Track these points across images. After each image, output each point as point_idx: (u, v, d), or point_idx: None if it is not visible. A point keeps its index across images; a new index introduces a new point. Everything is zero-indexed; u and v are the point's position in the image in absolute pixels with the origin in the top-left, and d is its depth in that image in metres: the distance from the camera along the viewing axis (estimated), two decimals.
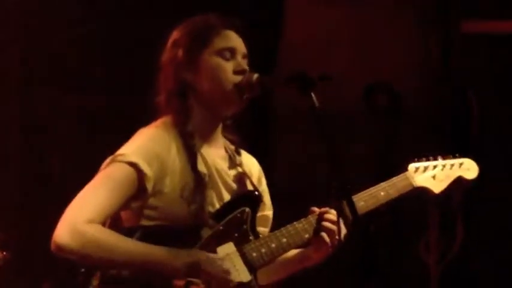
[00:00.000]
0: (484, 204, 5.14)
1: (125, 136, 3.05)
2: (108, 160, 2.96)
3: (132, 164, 2.92)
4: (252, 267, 2.99)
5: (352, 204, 2.67)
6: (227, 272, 2.90)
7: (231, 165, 3.15)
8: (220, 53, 3.06)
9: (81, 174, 2.98)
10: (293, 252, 3.17)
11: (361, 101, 5.27)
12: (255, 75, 3.03)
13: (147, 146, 2.97)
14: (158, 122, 3.08)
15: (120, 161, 2.93)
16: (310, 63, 5.15)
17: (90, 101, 4.87)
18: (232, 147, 3.20)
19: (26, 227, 4.60)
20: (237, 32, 3.12)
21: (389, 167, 5.07)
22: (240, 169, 3.15)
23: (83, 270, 2.92)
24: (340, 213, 2.74)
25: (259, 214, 3.13)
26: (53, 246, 2.84)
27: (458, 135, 5.24)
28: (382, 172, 5.06)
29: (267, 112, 5.40)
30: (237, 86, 3.03)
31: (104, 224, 2.91)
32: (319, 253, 3.13)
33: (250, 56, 3.12)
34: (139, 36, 4.81)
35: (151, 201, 2.96)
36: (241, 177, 3.15)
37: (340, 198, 2.70)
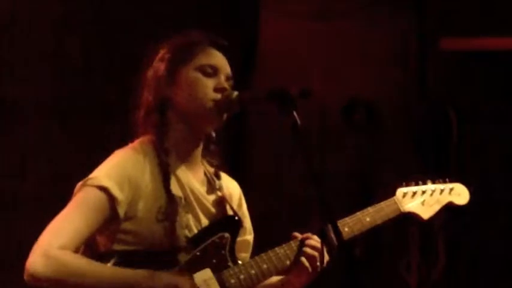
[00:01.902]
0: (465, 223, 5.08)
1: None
2: (79, 184, 2.90)
3: (103, 188, 2.84)
4: None
5: (337, 229, 2.58)
6: None
7: (209, 189, 3.07)
8: (202, 68, 2.99)
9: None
10: (274, 278, 3.09)
11: (340, 117, 5.20)
12: (235, 93, 2.96)
13: (120, 169, 2.89)
14: (136, 143, 3.01)
15: (90, 185, 2.86)
16: (285, 78, 5.08)
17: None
18: (212, 170, 3.12)
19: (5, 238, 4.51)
20: (223, 52, 3.06)
21: (369, 184, 5.06)
22: (219, 193, 3.07)
23: None
24: (324, 239, 2.63)
25: (239, 239, 3.06)
26: (26, 276, 2.77)
27: (438, 151, 5.18)
28: (362, 189, 5.04)
29: (242, 129, 5.31)
30: (216, 103, 2.95)
31: (77, 250, 2.85)
32: (300, 279, 3.04)
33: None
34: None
35: (126, 225, 2.88)
36: (221, 202, 3.06)
37: (325, 222, 2.60)
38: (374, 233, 4.87)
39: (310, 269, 2.97)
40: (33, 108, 4.69)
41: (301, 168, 2.60)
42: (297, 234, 3.03)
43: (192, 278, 2.84)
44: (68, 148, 4.72)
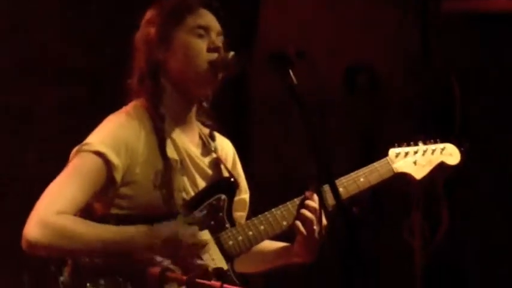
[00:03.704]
0: (468, 189, 5.06)
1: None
2: (74, 150, 2.87)
3: (99, 154, 2.83)
4: (228, 256, 2.91)
5: (335, 188, 2.57)
6: (203, 245, 2.82)
7: (204, 151, 3.06)
8: (193, 31, 2.96)
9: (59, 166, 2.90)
10: (277, 245, 3.10)
11: (341, 83, 5.17)
12: (231, 53, 2.95)
13: (115, 134, 2.87)
14: (129, 107, 2.99)
15: (86, 151, 2.84)
16: (288, 43, 5.04)
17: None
18: (207, 131, 3.10)
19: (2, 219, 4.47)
20: (212, 11, 3.02)
21: (370, 150, 5.04)
22: (214, 155, 3.06)
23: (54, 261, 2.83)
24: (321, 200, 2.62)
25: (235, 198, 3.04)
26: (24, 245, 2.77)
27: (439, 117, 5.15)
28: (363, 155, 5.03)
29: (245, 99, 5.30)
30: (211, 63, 2.93)
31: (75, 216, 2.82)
32: (301, 247, 3.02)
33: (228, 38, 3.03)
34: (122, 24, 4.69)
35: (123, 190, 2.87)
36: (216, 164, 3.06)
37: (322, 182, 2.59)
38: (376, 196, 4.91)
39: (304, 232, 2.96)
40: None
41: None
42: (308, 193, 2.99)
43: (190, 223, 2.84)
44: None
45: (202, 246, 2.83)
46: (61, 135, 4.45)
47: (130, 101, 3.00)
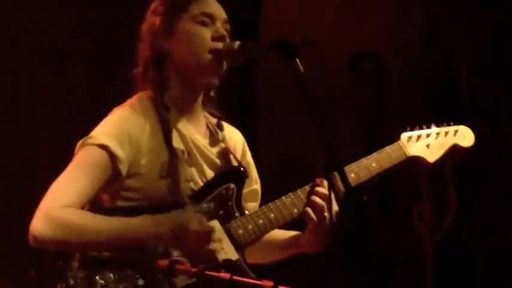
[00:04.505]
0: (476, 173, 5.04)
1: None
2: (79, 144, 2.86)
3: (103, 147, 2.81)
4: (239, 245, 2.88)
5: (344, 175, 2.54)
6: (211, 233, 2.79)
7: (212, 141, 3.04)
8: (197, 18, 2.94)
9: (64, 160, 2.88)
10: (287, 234, 3.08)
11: (346, 70, 5.14)
12: (237, 43, 2.91)
13: (119, 126, 2.86)
14: (133, 99, 2.97)
15: (90, 144, 2.83)
16: (293, 31, 5.02)
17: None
18: (214, 121, 3.08)
19: (8, 214, 4.46)
20: None
21: (376, 137, 5.03)
22: (222, 145, 3.05)
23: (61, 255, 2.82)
24: (331, 186, 2.60)
25: (246, 190, 3.04)
26: (30, 240, 2.75)
27: (447, 102, 5.13)
28: (370, 142, 5.01)
29: (251, 89, 5.28)
30: (215, 52, 2.90)
31: (82, 209, 2.81)
32: (311, 234, 2.98)
33: (231, 26, 3.01)
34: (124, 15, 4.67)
35: (130, 182, 2.85)
36: (225, 153, 3.04)
37: (331, 169, 2.56)
38: (386, 181, 4.89)
39: (314, 218, 2.92)
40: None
41: None
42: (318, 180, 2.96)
43: (197, 211, 2.82)
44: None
45: (209, 232, 2.79)
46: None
47: (135, 93, 2.99)
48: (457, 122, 3.31)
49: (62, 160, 2.89)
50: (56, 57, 4.64)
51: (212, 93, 3.06)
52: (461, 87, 5.12)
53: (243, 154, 3.12)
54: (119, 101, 3.01)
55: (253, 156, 3.19)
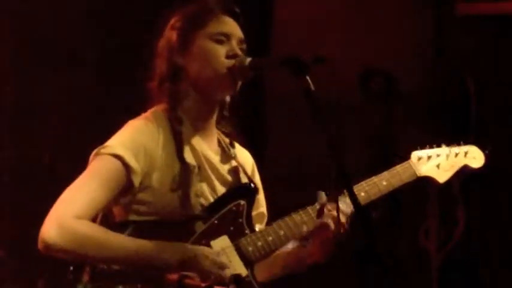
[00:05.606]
0: (484, 188, 5.04)
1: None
2: (93, 153, 2.87)
3: (118, 157, 2.82)
4: (248, 262, 2.89)
5: (353, 194, 2.56)
6: (222, 267, 2.80)
7: (224, 158, 3.05)
8: (214, 36, 2.97)
9: (75, 165, 2.91)
10: (293, 249, 3.07)
11: (357, 86, 5.15)
12: (248, 59, 2.93)
13: (134, 138, 2.87)
14: (148, 113, 2.99)
15: (105, 154, 2.84)
16: (303, 45, 5.04)
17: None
18: (227, 140, 3.10)
19: (19, 224, 4.47)
20: (234, 17, 3.03)
21: (386, 153, 5.03)
22: (234, 162, 3.06)
23: (71, 268, 2.82)
24: (339, 206, 2.61)
25: (254, 213, 3.03)
26: (40, 245, 2.75)
27: (456, 118, 5.13)
28: (379, 158, 5.02)
29: (260, 99, 5.30)
30: (229, 70, 2.93)
31: (93, 220, 2.82)
32: (316, 248, 3.00)
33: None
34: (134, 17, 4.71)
35: (141, 196, 2.87)
36: (236, 171, 3.05)
37: (340, 187, 2.58)
38: (393, 199, 4.90)
39: (323, 238, 2.94)
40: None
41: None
42: (321, 193, 2.98)
43: (209, 247, 2.83)
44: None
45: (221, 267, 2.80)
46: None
47: (151, 107, 3.01)
48: (467, 142, 3.32)
49: (73, 164, 2.91)
50: (71, 63, 4.68)
51: (226, 112, 3.07)
52: (470, 101, 5.12)
53: (252, 175, 3.13)
54: (131, 107, 3.03)
55: (260, 172, 3.20)
